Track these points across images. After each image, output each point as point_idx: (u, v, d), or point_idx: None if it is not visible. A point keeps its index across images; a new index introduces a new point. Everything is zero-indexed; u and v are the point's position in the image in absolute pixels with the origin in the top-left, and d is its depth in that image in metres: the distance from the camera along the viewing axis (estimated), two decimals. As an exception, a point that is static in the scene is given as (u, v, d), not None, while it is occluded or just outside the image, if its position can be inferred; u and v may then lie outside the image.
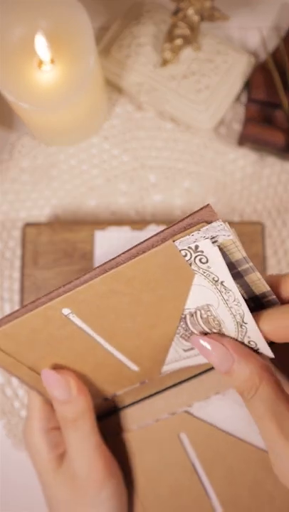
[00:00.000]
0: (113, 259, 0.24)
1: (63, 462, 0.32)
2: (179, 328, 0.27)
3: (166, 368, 0.31)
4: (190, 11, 0.44)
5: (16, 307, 0.45)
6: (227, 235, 0.23)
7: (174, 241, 0.23)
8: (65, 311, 0.26)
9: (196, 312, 0.26)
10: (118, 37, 0.46)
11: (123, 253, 0.24)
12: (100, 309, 0.26)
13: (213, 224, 0.23)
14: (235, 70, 0.45)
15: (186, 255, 0.24)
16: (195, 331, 0.27)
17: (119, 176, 0.47)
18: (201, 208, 0.23)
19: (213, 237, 0.23)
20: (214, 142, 0.47)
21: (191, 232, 0.23)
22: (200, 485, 0.32)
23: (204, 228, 0.23)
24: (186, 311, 0.26)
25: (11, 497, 0.43)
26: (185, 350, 0.29)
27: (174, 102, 0.45)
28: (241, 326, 0.25)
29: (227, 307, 0.25)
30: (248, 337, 0.26)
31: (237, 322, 0.25)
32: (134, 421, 0.34)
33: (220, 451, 0.32)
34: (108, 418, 0.35)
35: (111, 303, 0.26)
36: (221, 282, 0.24)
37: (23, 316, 0.26)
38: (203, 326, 0.27)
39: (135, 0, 0.47)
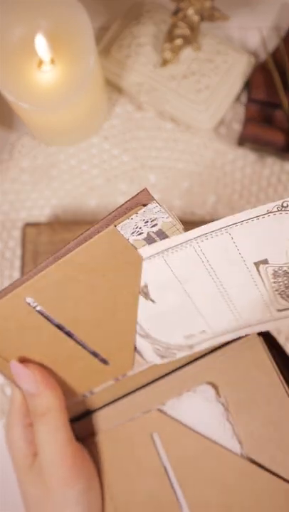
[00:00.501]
0: (64, 246, 0.26)
1: (36, 459, 0.32)
2: (280, 283, 0.26)
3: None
4: (190, 11, 0.44)
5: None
6: (165, 217, 0.23)
7: (115, 226, 0.24)
8: (29, 299, 0.27)
9: None
10: (118, 37, 0.46)
11: (72, 240, 0.25)
12: (59, 297, 0.27)
13: (149, 206, 0.23)
14: (235, 70, 0.45)
15: None
16: None
17: (119, 176, 0.47)
18: (138, 193, 0.24)
19: (153, 220, 0.24)
20: (214, 142, 0.47)
21: (130, 215, 0.24)
22: (171, 490, 0.32)
23: (141, 211, 0.24)
24: None
25: (10, 497, 0.43)
26: (279, 310, 0.28)
27: (174, 102, 0.45)
28: None
29: None
30: None
31: None
32: (110, 421, 0.34)
33: (191, 454, 0.31)
34: (84, 419, 0.35)
35: (69, 290, 0.27)
36: None
37: None
38: None
39: (135, 0, 0.47)
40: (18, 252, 0.46)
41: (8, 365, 0.31)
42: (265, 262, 0.25)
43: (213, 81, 0.45)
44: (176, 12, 0.44)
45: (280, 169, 0.46)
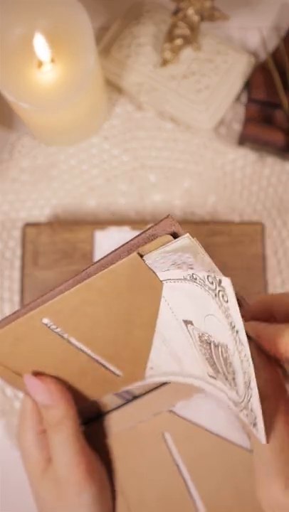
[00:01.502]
0: (84, 270, 0.25)
1: (50, 465, 0.33)
2: (206, 349, 0.25)
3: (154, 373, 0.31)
4: (190, 11, 0.44)
5: (16, 308, 0.45)
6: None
7: (138, 253, 0.24)
8: (45, 320, 0.27)
9: (218, 346, 0.24)
10: (118, 37, 0.46)
11: (93, 264, 0.25)
12: (76, 317, 0.27)
13: (174, 245, 0.23)
14: (235, 70, 0.45)
15: (212, 284, 0.21)
16: (217, 365, 0.25)
17: (119, 176, 0.47)
18: (162, 219, 0.23)
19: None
20: (214, 142, 0.47)
21: (154, 247, 0.23)
22: (184, 486, 0.32)
23: (164, 247, 0.23)
24: (211, 339, 0.24)
25: (11, 497, 0.43)
26: (210, 376, 0.27)
27: (174, 102, 0.45)
28: (248, 388, 0.22)
29: (239, 360, 0.22)
30: (251, 404, 0.22)
31: (245, 382, 0.22)
32: (120, 423, 0.34)
33: (203, 451, 0.32)
34: (95, 422, 0.35)
35: (86, 311, 0.27)
36: (237, 331, 0.21)
37: (6, 327, 0.27)
38: (223, 366, 0.24)
39: (135, 0, 0.47)
40: (18, 252, 0.46)
41: (20, 379, 0.31)
42: (191, 323, 0.25)
43: (213, 81, 0.45)
44: (176, 12, 0.44)
45: (280, 169, 0.46)
